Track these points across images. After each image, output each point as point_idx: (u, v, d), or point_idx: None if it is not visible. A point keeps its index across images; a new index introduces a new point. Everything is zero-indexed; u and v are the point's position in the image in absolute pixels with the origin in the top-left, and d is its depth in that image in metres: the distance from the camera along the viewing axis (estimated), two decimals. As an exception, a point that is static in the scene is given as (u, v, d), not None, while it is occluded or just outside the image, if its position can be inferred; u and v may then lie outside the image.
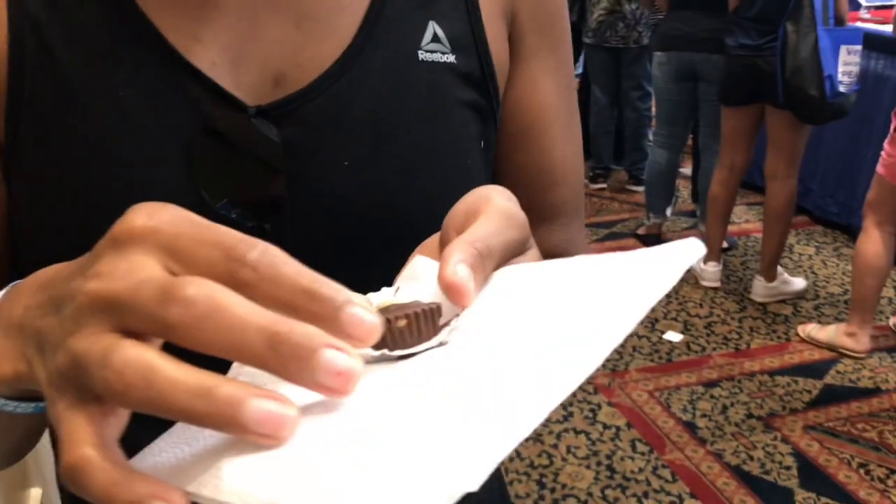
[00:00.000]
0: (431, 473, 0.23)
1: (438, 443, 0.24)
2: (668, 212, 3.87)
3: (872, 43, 3.24)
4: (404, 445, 0.25)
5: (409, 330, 0.32)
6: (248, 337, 0.25)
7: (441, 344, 0.32)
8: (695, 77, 3.43)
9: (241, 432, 0.25)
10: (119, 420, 0.28)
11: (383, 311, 0.33)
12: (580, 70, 4.46)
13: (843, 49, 2.80)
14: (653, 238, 3.71)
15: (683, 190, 4.25)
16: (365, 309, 0.27)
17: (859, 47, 2.84)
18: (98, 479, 0.26)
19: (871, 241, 2.66)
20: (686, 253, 0.31)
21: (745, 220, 4.03)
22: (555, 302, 0.31)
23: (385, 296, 0.36)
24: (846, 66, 2.81)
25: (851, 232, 3.50)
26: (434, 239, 0.40)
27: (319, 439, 0.26)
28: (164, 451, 0.29)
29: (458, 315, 0.33)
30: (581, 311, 0.30)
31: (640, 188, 4.15)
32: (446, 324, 0.33)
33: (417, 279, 0.37)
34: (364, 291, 0.35)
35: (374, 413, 0.27)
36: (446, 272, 0.32)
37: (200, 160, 0.48)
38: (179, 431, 0.30)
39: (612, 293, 0.30)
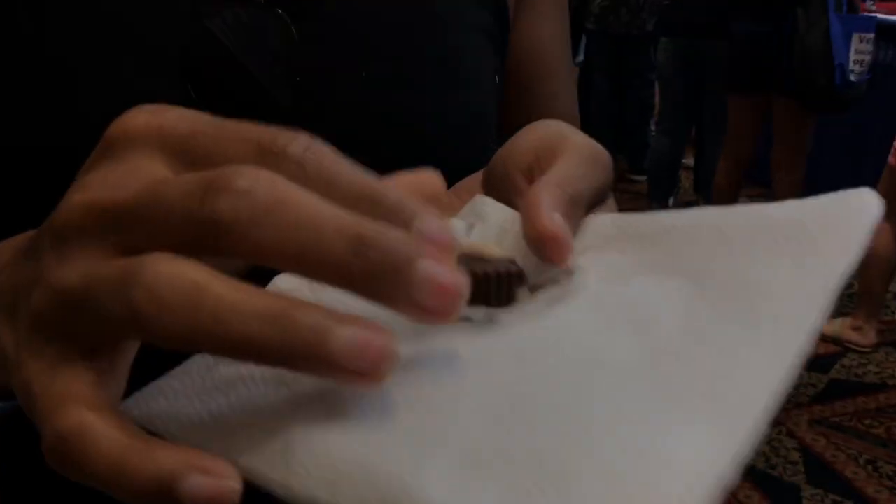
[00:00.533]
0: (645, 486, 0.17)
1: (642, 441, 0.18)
2: (671, 202, 3.81)
3: (882, 31, 3.19)
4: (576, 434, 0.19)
5: (499, 289, 0.25)
6: (326, 238, 0.19)
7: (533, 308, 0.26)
8: (701, 63, 3.37)
9: (326, 369, 0.18)
10: (118, 382, 0.21)
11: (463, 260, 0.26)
12: (581, 57, 4.39)
13: (856, 37, 2.74)
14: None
15: (685, 180, 4.19)
16: (440, 221, 0.20)
17: (872, 35, 2.78)
18: (104, 448, 0.18)
19: (881, 234, 2.61)
20: (861, 206, 0.25)
21: (747, 212, 3.98)
22: (696, 262, 0.25)
23: (457, 230, 0.30)
24: (858, 54, 2.75)
25: (856, 225, 3.44)
26: (474, 180, 0.34)
27: (433, 411, 0.20)
28: (181, 396, 0.22)
29: (544, 274, 0.27)
30: (738, 277, 0.23)
31: (642, 178, 4.10)
32: (537, 287, 0.27)
33: (482, 221, 0.31)
34: None
35: (507, 388, 0.21)
36: (543, 220, 0.26)
37: (198, 65, 0.41)
38: (195, 371, 0.23)
39: (777, 257, 0.24)
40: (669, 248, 0.26)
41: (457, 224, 0.30)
